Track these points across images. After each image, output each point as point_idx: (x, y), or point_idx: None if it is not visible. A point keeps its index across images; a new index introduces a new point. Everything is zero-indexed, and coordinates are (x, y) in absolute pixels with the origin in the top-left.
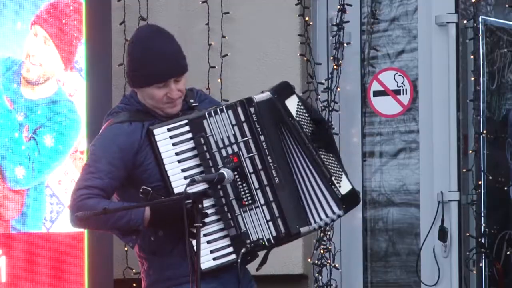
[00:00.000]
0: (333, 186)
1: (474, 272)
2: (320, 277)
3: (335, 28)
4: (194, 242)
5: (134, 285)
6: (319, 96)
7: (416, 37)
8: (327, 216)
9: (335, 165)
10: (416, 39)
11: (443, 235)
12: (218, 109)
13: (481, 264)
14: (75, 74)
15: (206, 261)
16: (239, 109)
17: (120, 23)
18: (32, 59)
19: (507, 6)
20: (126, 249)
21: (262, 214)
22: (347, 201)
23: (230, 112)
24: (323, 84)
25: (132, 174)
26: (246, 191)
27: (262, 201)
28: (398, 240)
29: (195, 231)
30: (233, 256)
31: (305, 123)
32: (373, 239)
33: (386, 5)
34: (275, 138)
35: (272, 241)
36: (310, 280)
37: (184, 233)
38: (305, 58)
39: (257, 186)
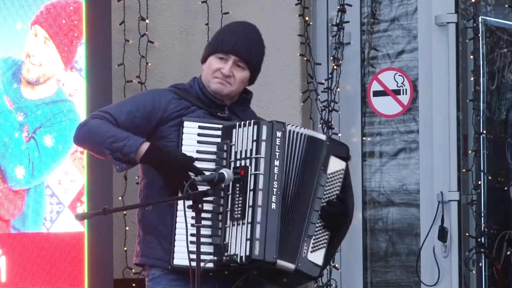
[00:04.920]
0: (304, 244)
1: (474, 272)
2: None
3: (335, 28)
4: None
5: (134, 285)
6: (319, 96)
7: (416, 37)
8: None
9: (322, 238)
10: (416, 39)
11: (443, 235)
12: (247, 122)
13: (481, 264)
14: (75, 74)
15: (181, 258)
16: (264, 127)
17: (120, 23)
18: (32, 59)
19: (507, 6)
20: (126, 249)
21: (245, 232)
22: (305, 266)
23: (255, 127)
24: (323, 84)
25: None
26: (240, 206)
27: (250, 219)
28: (398, 240)
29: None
30: (210, 265)
31: (330, 188)
32: (373, 239)
33: (386, 5)
34: (298, 171)
35: (244, 260)
36: None
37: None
38: (305, 58)
39: (251, 203)
